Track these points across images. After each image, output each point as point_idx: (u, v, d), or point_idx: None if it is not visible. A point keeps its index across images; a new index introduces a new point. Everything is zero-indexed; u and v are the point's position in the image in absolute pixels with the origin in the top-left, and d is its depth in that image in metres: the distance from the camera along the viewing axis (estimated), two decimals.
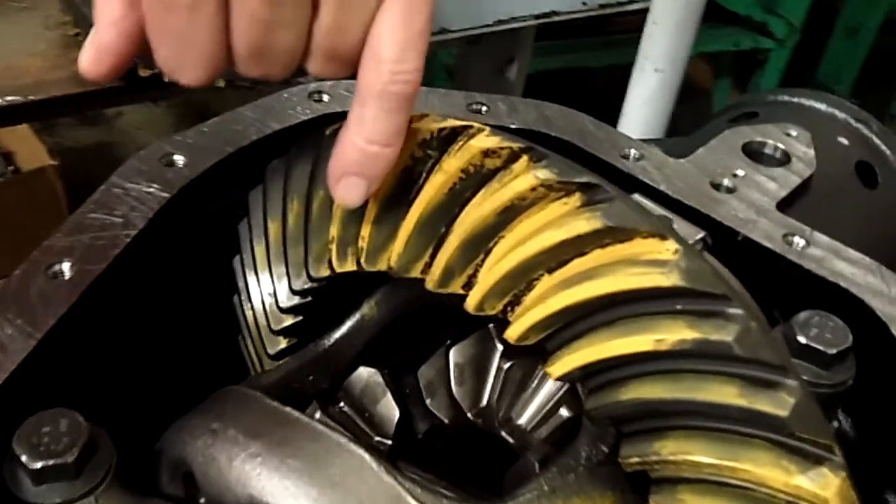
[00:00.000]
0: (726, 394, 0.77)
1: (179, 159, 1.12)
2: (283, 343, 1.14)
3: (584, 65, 5.25)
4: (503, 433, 1.06)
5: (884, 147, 1.41)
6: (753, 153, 1.29)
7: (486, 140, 0.86)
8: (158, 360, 1.12)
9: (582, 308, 0.81)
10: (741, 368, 0.76)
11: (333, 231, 0.99)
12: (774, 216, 1.17)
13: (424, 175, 0.91)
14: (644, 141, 1.28)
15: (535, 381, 1.05)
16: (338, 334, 1.11)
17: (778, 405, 0.75)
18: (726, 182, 1.22)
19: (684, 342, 0.76)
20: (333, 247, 0.99)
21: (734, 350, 0.75)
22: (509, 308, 0.88)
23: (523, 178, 0.83)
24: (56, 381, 0.91)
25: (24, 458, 0.78)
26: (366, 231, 0.95)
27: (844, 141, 1.40)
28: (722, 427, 0.79)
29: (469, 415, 1.09)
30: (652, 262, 0.77)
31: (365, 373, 1.10)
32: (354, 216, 0.96)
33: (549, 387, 1.04)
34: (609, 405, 0.82)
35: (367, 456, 0.80)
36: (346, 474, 0.79)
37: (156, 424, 0.95)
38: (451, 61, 4.27)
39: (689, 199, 1.18)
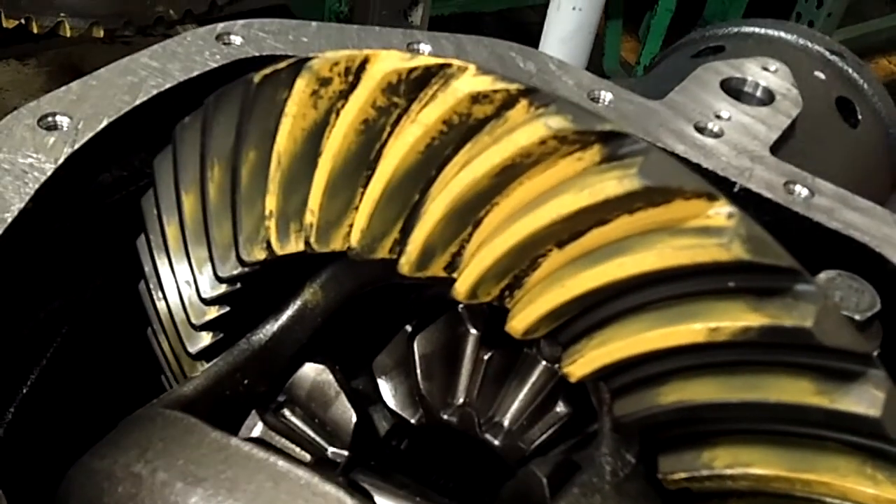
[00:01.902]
0: (799, 391, 0.61)
1: (63, 121, 0.90)
2: (206, 340, 0.94)
3: (479, 9, 5.09)
4: (487, 436, 0.88)
5: (861, 80, 1.28)
6: (733, 91, 1.14)
7: (473, 81, 0.67)
8: (50, 369, 0.91)
9: (609, 291, 0.64)
10: (817, 359, 0.61)
11: (271, 203, 0.78)
12: (770, 162, 1.03)
13: (389, 129, 0.72)
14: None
15: (521, 372, 0.88)
16: (275, 326, 0.91)
17: (866, 403, 0.60)
18: (711, 125, 1.07)
19: (748, 330, 0.60)
20: (272, 223, 0.79)
21: (815, 337, 0.59)
22: (507, 293, 0.70)
23: (529, 128, 0.64)
24: None
25: None
26: (315, 202, 0.75)
27: (821, 75, 1.26)
28: (786, 430, 0.64)
29: (442, 415, 0.91)
30: (702, 231, 0.61)
31: (312, 371, 0.91)
32: (299, 183, 0.76)
33: (541, 378, 0.87)
34: (646, 409, 0.66)
35: (302, 473, 0.62)
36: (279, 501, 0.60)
37: (52, 447, 0.74)
38: (342, 8, 4.01)
39: (676, 147, 1.02)
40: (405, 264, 0.71)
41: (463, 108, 0.67)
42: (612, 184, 0.62)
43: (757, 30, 1.30)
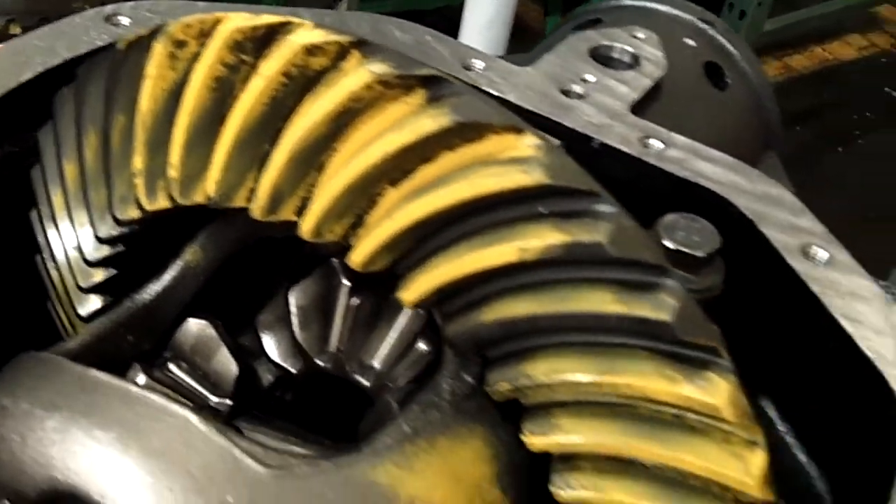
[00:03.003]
0: (601, 301, 0.68)
1: None
2: (95, 302, 0.99)
3: (417, 7, 5.15)
4: (357, 377, 0.94)
5: (730, 47, 1.36)
6: (601, 58, 1.21)
7: (308, 35, 0.73)
8: None
9: (433, 221, 0.70)
10: (616, 272, 0.68)
11: (138, 162, 0.84)
12: (629, 120, 1.10)
13: (239, 84, 0.77)
14: None
15: (388, 316, 0.94)
16: (158, 286, 0.96)
17: (659, 308, 0.67)
18: (576, 88, 1.13)
19: (552, 248, 0.67)
20: (140, 181, 0.84)
21: (608, 251, 0.66)
22: (352, 231, 0.76)
23: (356, 75, 0.70)
24: None
25: None
26: (175, 157, 0.80)
27: (691, 42, 1.34)
28: (596, 340, 0.70)
29: (318, 361, 0.97)
30: (510, 161, 0.67)
31: (194, 326, 0.96)
32: (163, 141, 0.82)
33: (404, 320, 0.93)
34: (471, 328, 0.72)
35: (192, 417, 0.68)
36: (169, 441, 0.66)
37: None
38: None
39: (538, 107, 1.09)
40: (256, 209, 0.77)
41: (300, 61, 0.73)
42: (429, 122, 0.68)
43: (632, 2, 1.38)
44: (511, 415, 0.77)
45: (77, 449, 0.65)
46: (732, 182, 1.03)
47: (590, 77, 1.16)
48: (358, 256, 0.74)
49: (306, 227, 0.75)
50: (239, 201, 0.79)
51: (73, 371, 0.72)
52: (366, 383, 0.94)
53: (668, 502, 0.72)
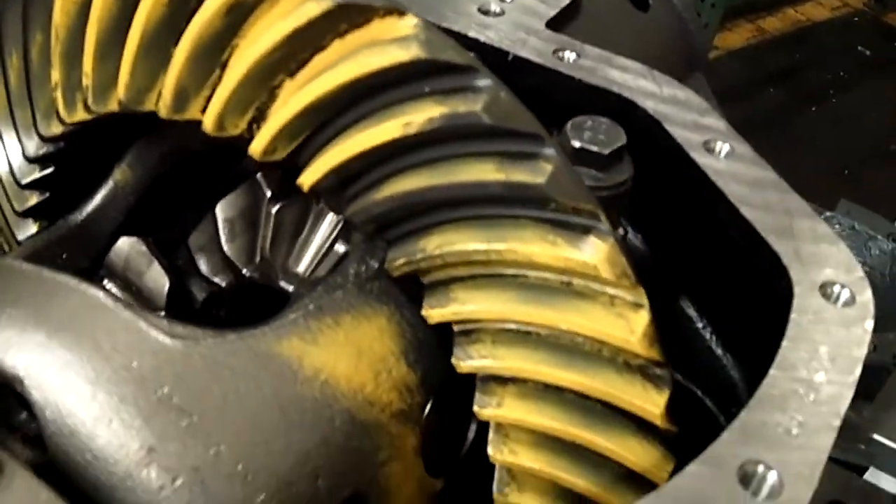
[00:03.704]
0: (483, 171, 0.72)
1: None
2: (31, 227, 1.02)
3: None
4: (282, 283, 0.98)
5: None
6: None
7: None
8: None
9: (325, 105, 0.74)
10: (496, 144, 0.72)
11: (56, 76, 0.87)
12: (544, 34, 1.13)
13: None
14: None
15: (311, 224, 0.98)
16: (90, 206, 1.01)
17: (536, 173, 0.71)
18: (494, 7, 1.17)
19: (433, 120, 0.71)
20: (58, 94, 0.88)
21: (483, 119, 0.70)
22: (254, 125, 0.79)
23: None
24: None
25: None
26: (88, 66, 0.84)
27: None
28: (485, 213, 0.74)
29: (245, 272, 1.01)
30: (392, 41, 0.71)
31: (126, 244, 1.00)
32: (77, 54, 0.85)
33: (325, 226, 0.97)
34: (366, 206, 0.76)
35: (100, 294, 0.71)
36: (77, 315, 0.70)
37: None
38: None
39: (455, 24, 1.12)
40: (162, 108, 0.80)
41: None
42: (313, 6, 0.71)
43: None
44: (417, 297, 0.81)
45: None
46: (641, 87, 1.06)
47: None
48: (258, 145, 0.77)
49: (209, 121, 0.79)
50: (149, 104, 0.83)
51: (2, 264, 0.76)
52: (290, 288, 0.98)
53: (561, 367, 0.77)
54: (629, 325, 0.74)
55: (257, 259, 1.00)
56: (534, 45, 1.11)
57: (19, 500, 0.63)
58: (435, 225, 0.75)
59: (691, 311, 1.12)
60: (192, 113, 0.81)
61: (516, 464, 0.80)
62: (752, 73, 6.30)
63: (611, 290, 0.74)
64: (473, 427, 0.88)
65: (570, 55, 1.10)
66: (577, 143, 0.94)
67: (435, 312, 0.77)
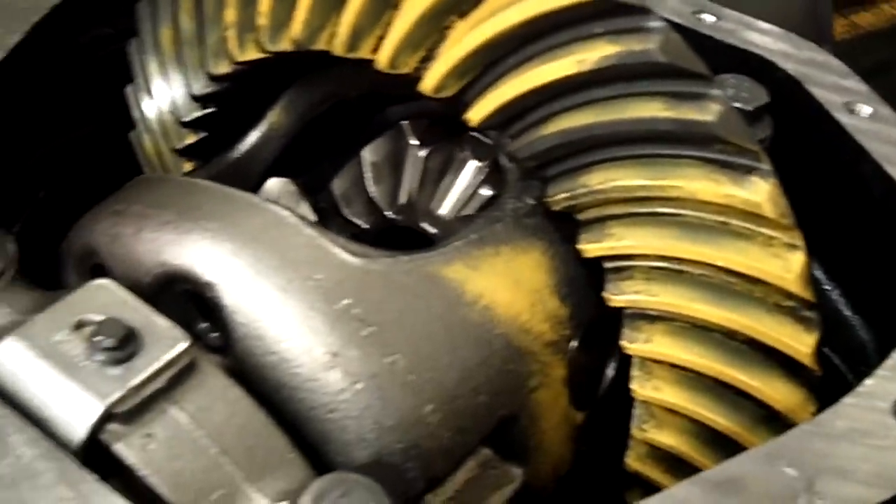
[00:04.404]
0: (652, 108, 0.75)
1: None
2: (186, 166, 1.08)
3: None
4: (424, 225, 1.02)
5: None
6: None
7: None
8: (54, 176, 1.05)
9: (497, 44, 0.77)
10: (665, 84, 0.74)
11: (230, 15, 0.92)
12: None
13: None
14: None
15: (454, 169, 1.02)
16: (244, 147, 1.06)
17: (704, 112, 0.73)
18: None
19: (607, 58, 0.74)
20: (231, 33, 0.93)
21: (658, 57, 0.72)
22: (423, 64, 0.83)
23: None
24: None
25: None
26: (265, 6, 0.88)
27: None
28: (648, 152, 0.77)
29: (388, 214, 1.05)
30: None
31: (276, 183, 1.04)
32: None
33: (469, 169, 1.01)
34: (533, 142, 0.79)
35: (284, 212, 0.76)
36: (264, 230, 0.75)
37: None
38: None
39: None
40: (338, 45, 0.85)
41: None
42: None
43: None
44: (569, 236, 0.84)
45: (185, 236, 0.74)
46: (781, 49, 1.08)
47: None
48: (429, 82, 0.81)
49: (383, 59, 0.83)
50: (322, 43, 0.87)
51: (177, 181, 0.82)
52: (433, 231, 1.01)
53: (712, 304, 0.79)
54: (786, 265, 0.76)
55: (401, 202, 1.04)
56: (672, 6, 1.13)
57: (212, 397, 0.68)
58: (598, 162, 0.78)
59: (819, 274, 1.13)
60: (363, 52, 0.85)
61: (659, 399, 0.83)
62: None
63: (769, 231, 0.76)
64: (613, 366, 0.90)
65: (708, 17, 1.12)
66: None
67: (591, 247, 0.80)
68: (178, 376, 0.66)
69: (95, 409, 0.62)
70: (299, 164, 1.11)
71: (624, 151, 0.77)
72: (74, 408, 0.63)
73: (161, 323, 0.67)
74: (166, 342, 0.66)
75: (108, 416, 0.63)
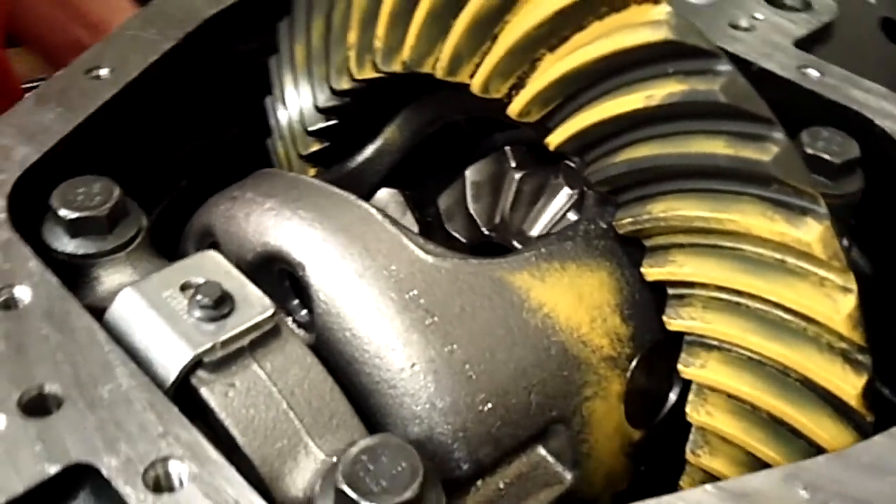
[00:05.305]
0: (713, 146, 0.80)
1: None
2: (310, 171, 1.19)
3: None
4: (515, 243, 1.10)
5: None
6: (774, 2, 1.30)
7: None
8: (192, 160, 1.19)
9: (578, 76, 0.85)
10: (727, 123, 0.80)
11: (352, 38, 1.03)
12: (791, 51, 1.19)
13: None
14: None
15: (547, 195, 1.10)
16: (361, 158, 1.17)
17: (762, 152, 0.78)
18: (744, 23, 1.24)
19: (672, 95, 0.80)
20: (352, 53, 1.04)
21: (719, 98, 0.78)
22: (514, 91, 0.91)
23: None
24: (93, 160, 0.97)
25: (60, 212, 0.85)
26: (381, 31, 0.99)
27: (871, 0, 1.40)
28: (710, 187, 0.82)
29: (484, 230, 1.13)
30: (644, 24, 0.81)
31: (386, 193, 1.15)
32: (371, 20, 1.01)
33: (562, 195, 1.08)
34: (605, 168, 0.86)
35: (372, 210, 0.86)
36: (353, 223, 0.84)
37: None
38: None
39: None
40: (439, 69, 0.94)
41: None
42: None
43: None
44: (638, 262, 0.90)
45: (285, 222, 0.85)
46: (881, 107, 1.10)
47: (759, 15, 1.26)
48: (516, 106, 0.89)
49: (477, 83, 0.91)
50: (427, 67, 0.97)
51: (286, 175, 0.93)
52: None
53: (766, 338, 0.83)
54: (835, 305, 0.79)
55: (496, 220, 1.13)
56: (779, 60, 1.17)
57: (289, 360, 0.77)
58: (663, 192, 0.84)
59: None
60: (462, 76, 0.94)
61: (712, 426, 0.87)
62: None
63: (821, 271, 0.80)
64: (676, 391, 0.95)
65: (813, 72, 1.15)
66: (809, 150, 1.00)
67: (653, 271, 0.86)
68: (262, 338, 0.76)
69: (187, 355, 0.73)
70: (410, 179, 1.21)
71: (687, 184, 0.83)
72: (170, 352, 0.73)
73: (253, 291, 0.77)
74: (256, 308, 0.76)
75: (197, 363, 0.73)
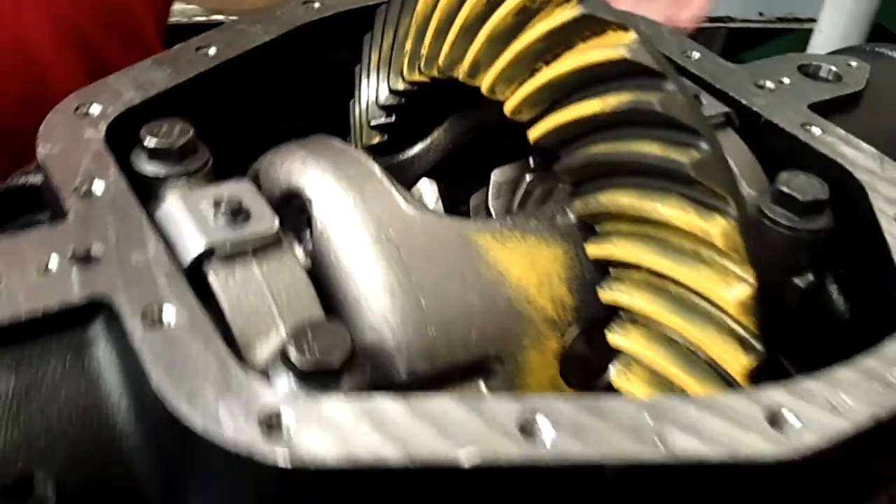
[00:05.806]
0: (651, 148, 0.97)
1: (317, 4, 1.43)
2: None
3: None
4: None
5: None
6: (806, 71, 1.44)
7: None
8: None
9: (558, 84, 1.03)
10: (664, 131, 0.96)
11: (408, 45, 1.26)
12: (802, 111, 1.32)
13: (469, 4, 1.16)
14: None
15: (555, 196, 1.27)
16: (408, 154, 1.38)
17: (685, 156, 0.94)
18: (769, 84, 1.38)
19: (623, 103, 0.97)
20: (406, 59, 1.26)
21: (657, 108, 0.95)
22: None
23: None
24: (186, 114, 1.22)
25: (145, 140, 1.10)
26: (427, 41, 1.21)
27: None
28: (648, 183, 0.99)
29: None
30: (613, 45, 0.99)
31: (425, 182, 1.36)
32: (423, 32, 1.23)
33: (562, 197, 1.25)
34: (567, 161, 1.04)
35: (376, 168, 1.07)
36: (357, 174, 1.06)
37: None
38: None
39: (728, 90, 1.36)
40: (460, 73, 1.15)
41: None
42: (566, 12, 1.02)
43: (876, 48, 1.57)
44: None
45: (307, 168, 1.07)
46: (865, 165, 1.22)
47: (786, 80, 1.40)
48: (510, 105, 1.08)
49: (485, 86, 1.11)
50: (456, 73, 1.18)
51: (323, 139, 1.15)
52: None
53: (680, 316, 0.98)
54: (731, 291, 0.94)
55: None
56: (786, 116, 1.31)
57: (282, 267, 0.98)
58: (610, 185, 1.01)
59: None
60: (478, 81, 1.14)
61: (629, 392, 1.02)
62: None
63: (724, 262, 0.94)
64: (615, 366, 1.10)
65: (816, 130, 1.29)
66: (783, 188, 1.14)
67: (592, 248, 1.03)
68: (265, 247, 0.98)
69: (202, 243, 0.95)
70: (450, 177, 1.41)
71: (629, 179, 1.00)
72: (191, 241, 0.96)
73: (267, 211, 0.99)
74: (266, 223, 0.98)
75: (209, 252, 0.95)
